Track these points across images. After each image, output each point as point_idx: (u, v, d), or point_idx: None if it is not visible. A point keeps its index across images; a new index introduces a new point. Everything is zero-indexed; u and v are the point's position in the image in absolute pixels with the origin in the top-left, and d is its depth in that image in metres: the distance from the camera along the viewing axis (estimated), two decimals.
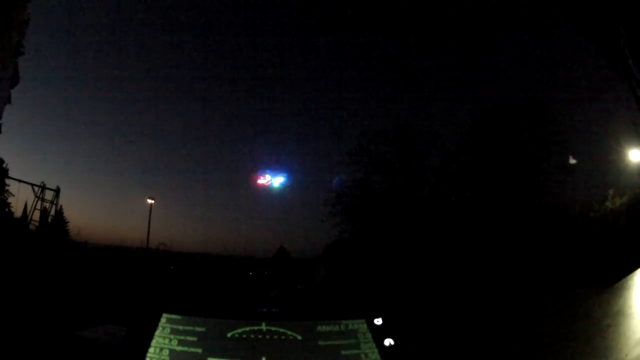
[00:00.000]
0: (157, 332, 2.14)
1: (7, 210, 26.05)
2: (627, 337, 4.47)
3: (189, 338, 2.13)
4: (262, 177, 23.80)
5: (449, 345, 6.04)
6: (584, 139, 18.88)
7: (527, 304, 8.78)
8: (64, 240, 27.59)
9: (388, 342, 2.19)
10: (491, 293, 10.80)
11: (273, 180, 23.72)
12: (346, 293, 16.04)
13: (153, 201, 29.74)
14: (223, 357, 2.09)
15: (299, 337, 2.19)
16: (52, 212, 28.30)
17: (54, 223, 28.23)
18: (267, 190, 24.49)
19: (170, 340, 2.12)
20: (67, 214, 29.97)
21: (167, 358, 2.07)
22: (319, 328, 2.23)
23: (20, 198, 26.51)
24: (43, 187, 27.55)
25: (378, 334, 2.22)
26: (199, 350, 2.10)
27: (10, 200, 26.23)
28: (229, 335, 2.17)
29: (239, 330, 2.19)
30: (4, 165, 25.46)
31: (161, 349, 2.09)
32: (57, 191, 28.38)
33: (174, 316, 2.21)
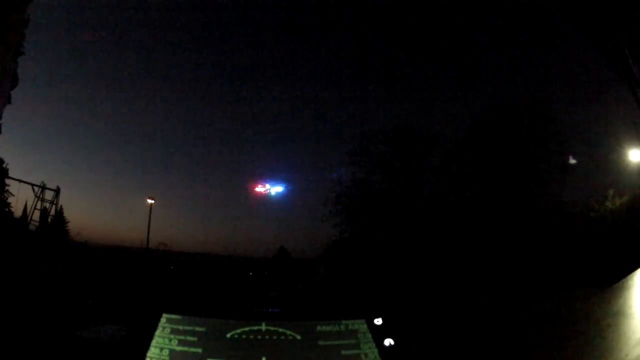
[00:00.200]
0: (157, 332, 2.14)
1: (7, 210, 26.00)
2: (627, 337, 4.46)
3: (189, 338, 2.13)
4: (260, 185, 24.01)
5: (449, 345, 6.03)
6: (584, 139, 18.84)
7: (527, 304, 8.77)
8: (64, 241, 27.53)
9: (388, 342, 2.19)
10: (491, 293, 10.79)
11: (271, 189, 23.95)
12: (346, 293, 16.04)
13: (153, 201, 29.72)
14: (223, 357, 2.09)
15: (299, 337, 2.19)
16: (52, 212, 28.26)
17: (54, 223, 28.18)
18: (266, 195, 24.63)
19: (170, 340, 2.12)
20: (67, 214, 29.88)
21: (167, 358, 2.07)
22: (319, 328, 2.23)
23: (20, 198, 26.46)
24: (43, 187, 27.52)
25: (378, 334, 2.22)
26: (199, 350, 2.10)
27: (10, 200, 26.16)
28: (229, 335, 2.17)
29: (239, 331, 2.19)
30: (4, 165, 25.39)
31: (161, 349, 2.09)
32: (57, 191, 28.34)
33: (174, 316, 2.21)
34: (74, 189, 55.10)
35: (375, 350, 2.17)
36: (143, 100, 69.87)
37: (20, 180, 25.94)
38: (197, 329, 2.18)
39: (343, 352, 2.16)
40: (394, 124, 22.73)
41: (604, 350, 4.48)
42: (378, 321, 2.28)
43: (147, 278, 20.13)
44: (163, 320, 2.20)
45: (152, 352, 2.08)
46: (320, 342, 2.19)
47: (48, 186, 27.85)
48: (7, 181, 25.43)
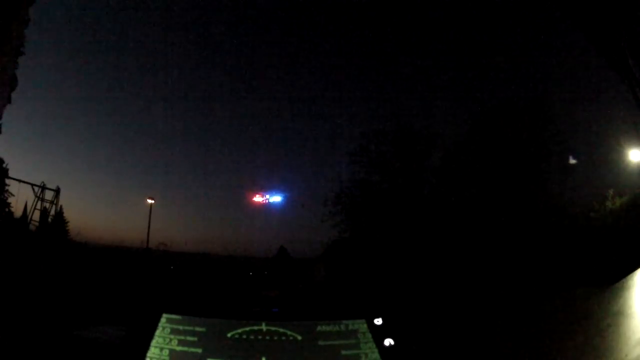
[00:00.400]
0: (157, 332, 2.14)
1: (7, 210, 26.02)
2: (627, 337, 4.46)
3: (189, 338, 2.13)
4: (258, 195, 24.26)
5: (449, 345, 6.04)
6: (584, 139, 18.87)
7: (527, 304, 8.77)
8: (64, 241, 27.55)
9: (388, 342, 2.19)
10: (491, 293, 10.79)
11: (270, 199, 24.21)
12: (346, 293, 16.03)
13: (153, 201, 29.76)
14: (223, 357, 2.09)
15: (299, 337, 2.19)
16: (52, 212, 28.28)
17: (54, 223, 28.20)
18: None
19: (170, 340, 2.12)
20: (67, 214, 29.91)
21: (167, 358, 2.07)
22: (319, 328, 2.23)
23: (20, 198, 26.48)
24: (43, 187, 27.53)
25: (378, 334, 2.22)
26: (199, 351, 2.10)
27: (10, 200, 26.20)
28: (229, 335, 2.17)
29: (239, 331, 2.19)
30: (4, 165, 25.41)
31: (161, 349, 2.09)
32: (57, 191, 28.36)
33: (174, 316, 2.21)
34: (74, 189, 55.15)
35: (376, 350, 2.17)
36: (143, 100, 69.90)
37: (20, 180, 25.97)
38: (197, 329, 2.18)
39: (343, 352, 2.16)
40: (394, 124, 22.77)
41: (604, 350, 4.48)
42: (378, 321, 2.28)
43: (147, 278, 20.13)
44: (163, 320, 2.20)
45: (152, 352, 2.08)
46: (320, 342, 2.19)
47: (48, 186, 27.89)
48: (7, 181, 25.46)
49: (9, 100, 8.09)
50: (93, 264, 21.53)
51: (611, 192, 12.43)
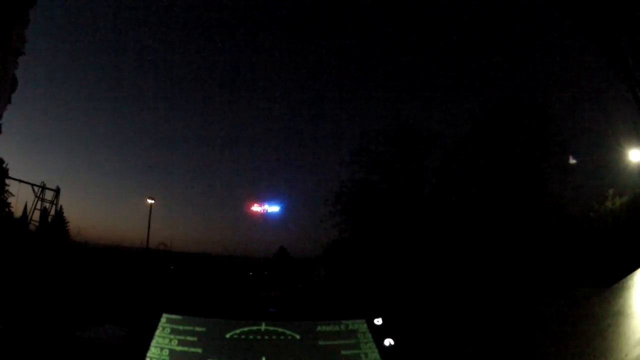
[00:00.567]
0: (157, 332, 2.14)
1: (7, 210, 26.02)
2: (627, 337, 4.46)
3: (189, 338, 2.14)
4: (257, 205, 24.50)
5: (449, 345, 6.04)
6: (584, 139, 18.87)
7: (527, 304, 8.77)
8: (64, 241, 27.55)
9: (388, 342, 2.19)
10: (491, 293, 10.79)
11: (268, 209, 24.47)
12: (346, 293, 16.03)
13: (153, 201, 29.73)
14: (223, 357, 2.09)
15: (299, 337, 2.19)
16: (52, 212, 28.26)
17: (54, 223, 28.18)
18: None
19: (171, 340, 2.13)
20: (67, 214, 29.92)
21: (167, 358, 2.07)
22: (319, 328, 2.23)
23: (20, 198, 26.46)
24: (43, 187, 27.49)
25: (378, 334, 2.22)
26: (199, 350, 2.10)
27: (10, 200, 26.20)
28: (228, 335, 2.17)
29: (239, 331, 2.19)
30: (4, 165, 25.42)
31: (161, 349, 2.09)
32: (57, 191, 28.32)
33: (174, 316, 2.21)
34: (74, 189, 55.06)
35: (376, 351, 2.17)
36: (143, 100, 69.77)
37: (20, 180, 25.94)
38: (197, 329, 2.18)
39: (343, 352, 2.16)
40: (394, 124, 22.76)
41: (604, 350, 4.47)
42: (378, 321, 2.28)
43: (147, 278, 20.12)
44: (163, 320, 2.20)
45: (152, 352, 2.08)
46: (320, 342, 2.19)
47: (48, 186, 27.85)
48: (7, 181, 25.46)
49: (9, 101, 8.08)
50: (93, 264, 21.53)
51: (611, 192, 12.42)
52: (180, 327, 2.18)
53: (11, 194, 26.16)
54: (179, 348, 2.11)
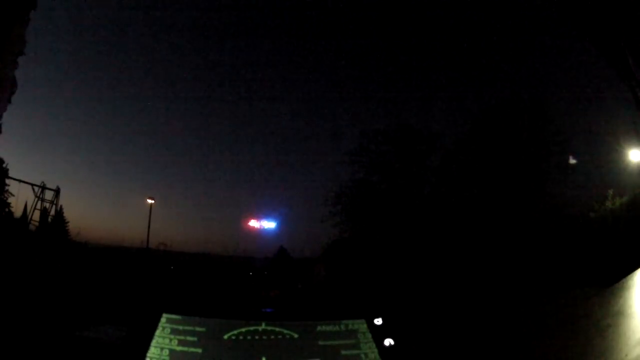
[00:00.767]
0: (157, 332, 2.14)
1: (7, 210, 26.03)
2: (627, 337, 4.46)
3: (189, 338, 2.14)
4: (254, 220, 24.98)
5: (449, 345, 6.04)
6: (584, 139, 18.88)
7: (527, 304, 8.77)
8: (64, 241, 27.56)
9: (388, 342, 2.19)
10: (491, 293, 10.79)
11: (265, 225, 24.96)
12: (346, 293, 16.03)
13: (153, 201, 29.78)
14: (223, 357, 2.09)
15: (299, 337, 2.20)
16: (52, 212, 28.28)
17: (54, 223, 28.21)
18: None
19: (171, 340, 2.13)
20: (67, 214, 29.96)
21: (167, 358, 2.07)
22: (318, 328, 2.23)
23: (20, 198, 26.50)
24: (43, 187, 27.52)
25: (378, 334, 2.22)
26: (199, 350, 2.10)
27: (10, 200, 26.22)
28: (228, 335, 2.18)
29: (239, 331, 2.19)
30: (4, 165, 25.43)
31: (161, 349, 2.09)
32: (57, 191, 28.35)
33: (174, 316, 2.21)
34: (74, 189, 55.24)
35: (376, 351, 2.17)
36: (143, 100, 69.97)
37: (20, 180, 25.98)
38: (197, 329, 2.18)
39: (343, 352, 2.16)
40: (394, 124, 22.78)
41: (604, 350, 4.47)
42: (378, 321, 2.28)
43: (147, 278, 20.12)
44: (163, 320, 2.20)
45: (152, 352, 2.08)
46: (320, 342, 2.19)
47: (48, 186, 27.89)
48: (7, 181, 25.47)
49: (9, 101, 8.09)
50: (93, 264, 21.53)
51: (611, 192, 12.39)
52: (181, 327, 2.18)
53: (11, 194, 26.21)
54: (179, 348, 2.11)
